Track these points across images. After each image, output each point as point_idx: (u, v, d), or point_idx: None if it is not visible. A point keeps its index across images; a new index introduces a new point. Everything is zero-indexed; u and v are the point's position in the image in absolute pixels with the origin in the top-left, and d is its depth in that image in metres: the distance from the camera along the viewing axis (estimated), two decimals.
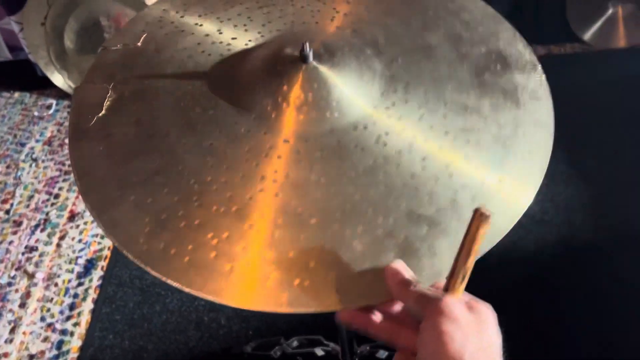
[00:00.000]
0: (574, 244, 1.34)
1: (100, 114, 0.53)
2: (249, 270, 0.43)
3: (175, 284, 0.42)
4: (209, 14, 0.63)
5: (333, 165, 0.47)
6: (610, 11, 1.88)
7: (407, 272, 0.41)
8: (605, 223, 1.38)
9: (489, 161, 0.49)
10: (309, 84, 0.50)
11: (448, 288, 0.40)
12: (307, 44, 0.50)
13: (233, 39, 0.60)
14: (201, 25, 0.62)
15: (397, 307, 0.44)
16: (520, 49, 0.58)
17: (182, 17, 0.63)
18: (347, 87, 0.51)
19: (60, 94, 1.86)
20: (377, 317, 0.43)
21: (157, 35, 0.61)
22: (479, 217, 0.38)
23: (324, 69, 0.51)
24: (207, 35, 0.60)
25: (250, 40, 0.59)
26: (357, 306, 0.42)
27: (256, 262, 0.43)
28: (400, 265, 0.41)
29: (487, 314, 0.40)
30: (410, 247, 0.43)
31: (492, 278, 1.18)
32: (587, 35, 1.92)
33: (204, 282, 0.42)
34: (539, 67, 0.56)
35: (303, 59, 0.50)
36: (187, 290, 0.42)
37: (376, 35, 0.58)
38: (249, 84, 0.54)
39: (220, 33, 0.60)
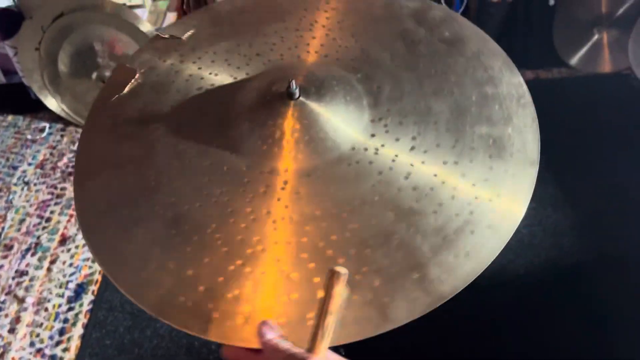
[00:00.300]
0: (563, 267, 1.35)
1: (121, 93, 0.59)
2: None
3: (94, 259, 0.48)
4: (253, 29, 0.65)
5: (273, 204, 0.49)
6: (595, 37, 1.92)
7: (277, 331, 0.42)
8: (593, 246, 1.40)
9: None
10: (294, 121, 0.51)
11: (311, 347, 0.40)
12: (294, 82, 0.51)
13: (258, 55, 0.62)
14: (238, 45, 0.64)
15: None
16: (528, 140, 0.51)
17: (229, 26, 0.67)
18: (319, 133, 0.51)
19: (53, 117, 1.87)
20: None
21: (201, 34, 0.65)
22: (332, 276, 0.39)
23: (310, 107, 0.52)
24: (238, 44, 0.63)
25: (269, 61, 0.61)
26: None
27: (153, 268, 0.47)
28: (271, 324, 0.42)
29: None
30: None
31: (482, 301, 1.19)
32: (574, 60, 1.95)
33: (121, 276, 0.47)
34: (537, 165, 0.49)
35: (289, 95, 0.51)
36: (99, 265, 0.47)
37: (383, 86, 0.56)
38: (238, 111, 0.55)
39: (251, 46, 0.63)
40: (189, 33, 0.65)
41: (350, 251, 0.45)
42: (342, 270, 0.39)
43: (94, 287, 1.36)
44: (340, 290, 0.39)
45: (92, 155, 0.56)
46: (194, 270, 0.45)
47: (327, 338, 0.40)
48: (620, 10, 1.85)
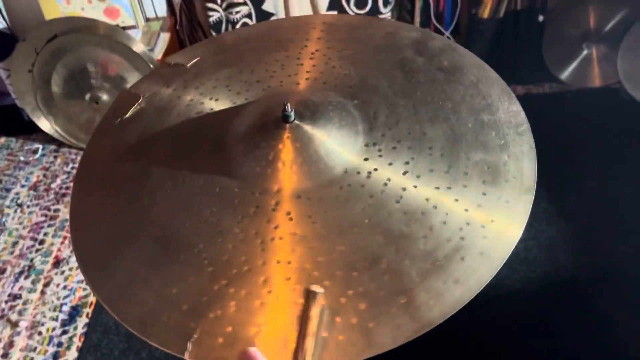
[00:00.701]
0: (558, 282, 1.35)
1: (124, 117, 0.61)
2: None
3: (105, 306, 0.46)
4: (256, 57, 0.67)
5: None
6: (585, 52, 1.94)
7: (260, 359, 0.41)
8: (587, 260, 1.40)
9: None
10: (288, 143, 0.52)
11: None
12: (289, 105, 0.51)
13: (258, 81, 0.63)
14: (240, 71, 0.66)
15: None
16: (524, 167, 0.51)
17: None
18: (313, 156, 0.52)
19: (46, 139, 1.87)
20: None
21: (205, 62, 0.66)
22: (309, 295, 0.38)
23: (304, 130, 0.52)
24: (240, 71, 0.64)
25: (269, 87, 0.62)
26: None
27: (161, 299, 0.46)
28: (253, 352, 0.41)
29: None
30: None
31: (479, 317, 1.19)
32: (564, 75, 1.97)
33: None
34: (533, 193, 0.49)
35: (285, 118, 0.52)
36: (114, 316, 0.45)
37: (379, 112, 0.56)
38: (234, 134, 0.55)
39: (252, 73, 0.64)
40: (195, 60, 0.66)
41: (336, 273, 0.44)
42: (318, 289, 0.38)
43: (88, 310, 1.34)
44: (318, 311, 0.38)
45: (91, 174, 0.57)
46: (178, 289, 0.45)
47: None
48: (608, 26, 1.88)
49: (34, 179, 1.74)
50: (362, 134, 0.54)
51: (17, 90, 1.75)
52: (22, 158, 1.83)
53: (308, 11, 1.83)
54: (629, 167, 1.67)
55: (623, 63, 1.82)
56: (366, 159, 0.51)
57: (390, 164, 0.51)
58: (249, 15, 1.81)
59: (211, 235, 0.48)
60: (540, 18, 1.91)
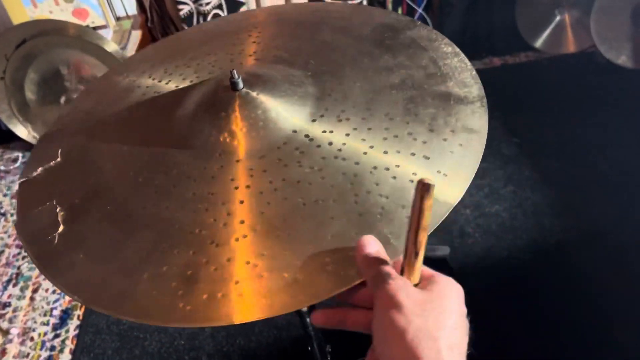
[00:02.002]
0: (545, 247, 1.36)
1: (60, 231, 0.50)
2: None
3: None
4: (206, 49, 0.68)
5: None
6: (557, 18, 1.94)
7: (373, 247, 0.40)
8: (573, 223, 1.41)
9: (430, 117, 0.51)
10: (245, 106, 0.52)
11: (403, 267, 0.39)
12: (235, 71, 0.52)
13: (211, 65, 0.64)
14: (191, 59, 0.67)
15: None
16: (394, 17, 0.66)
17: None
18: (282, 98, 0.54)
19: (25, 147, 1.85)
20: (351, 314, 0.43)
21: (73, 152, 0.59)
22: (421, 188, 0.36)
23: (252, 97, 0.53)
24: (191, 58, 0.66)
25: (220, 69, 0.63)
26: (352, 285, 0.41)
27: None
28: (367, 240, 0.41)
29: (443, 292, 0.40)
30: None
31: (467, 286, 1.19)
32: (538, 43, 1.98)
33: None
34: (418, 22, 0.65)
35: (233, 86, 0.52)
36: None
37: (279, 55, 0.62)
38: (191, 125, 0.55)
39: (203, 61, 0.65)
40: (59, 151, 0.58)
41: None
42: (431, 180, 0.36)
43: (79, 312, 1.34)
44: (430, 203, 0.37)
45: (106, 284, 0.46)
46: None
47: (421, 255, 0.38)
48: None
49: (16, 187, 1.73)
50: (289, 69, 0.58)
51: None
52: (2, 167, 1.81)
53: None
54: (609, 129, 1.68)
55: (596, 26, 1.82)
56: (315, 74, 0.57)
57: (334, 62, 0.58)
58: (219, 6, 1.80)
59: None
60: None
